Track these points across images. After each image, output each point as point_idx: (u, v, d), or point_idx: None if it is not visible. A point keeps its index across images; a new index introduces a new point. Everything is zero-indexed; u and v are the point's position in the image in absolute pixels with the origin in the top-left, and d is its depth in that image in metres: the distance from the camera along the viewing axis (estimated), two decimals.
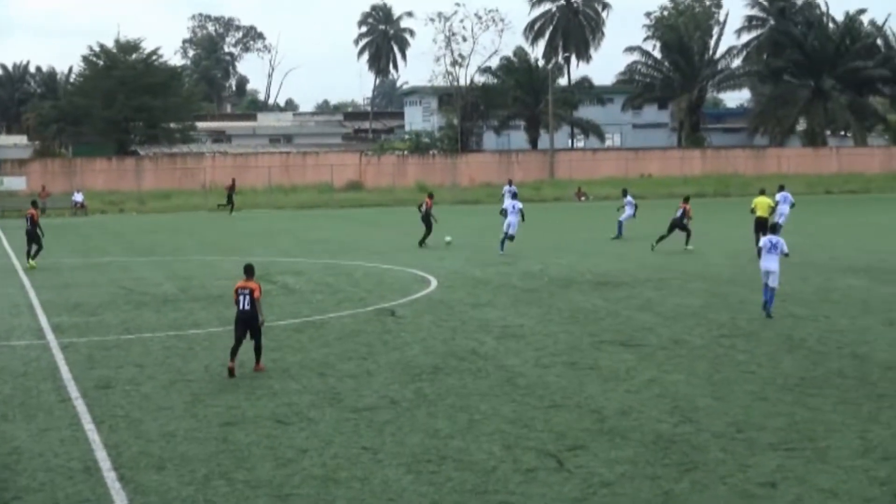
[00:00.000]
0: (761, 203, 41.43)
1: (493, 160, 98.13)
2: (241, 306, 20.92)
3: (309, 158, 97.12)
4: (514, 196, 49.42)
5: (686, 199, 44.66)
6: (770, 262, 26.83)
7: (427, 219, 46.32)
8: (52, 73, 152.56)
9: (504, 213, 44.67)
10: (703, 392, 19.16)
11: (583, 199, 79.63)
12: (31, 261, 41.07)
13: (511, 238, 43.27)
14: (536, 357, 22.49)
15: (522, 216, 44.20)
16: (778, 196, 46.33)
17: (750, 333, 24.82)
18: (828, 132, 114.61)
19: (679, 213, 43.46)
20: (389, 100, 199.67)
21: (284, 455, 15.76)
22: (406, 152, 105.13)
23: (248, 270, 21.45)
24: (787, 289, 31.64)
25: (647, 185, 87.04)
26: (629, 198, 49.45)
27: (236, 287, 21.20)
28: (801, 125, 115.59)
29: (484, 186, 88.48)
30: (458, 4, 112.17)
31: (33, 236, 41.52)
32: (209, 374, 21.34)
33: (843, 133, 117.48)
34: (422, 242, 46.17)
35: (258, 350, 21.35)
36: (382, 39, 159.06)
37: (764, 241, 27.69)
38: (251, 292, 20.88)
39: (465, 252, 43.60)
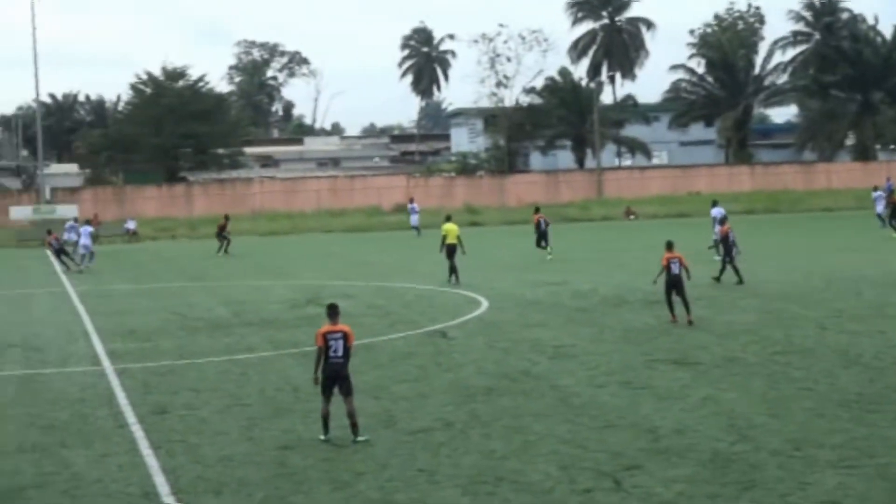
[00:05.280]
0: (451, 230, 41.54)
1: (540, 180, 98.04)
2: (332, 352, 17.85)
3: (357, 182, 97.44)
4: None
5: None
6: None
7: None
8: (100, 102, 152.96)
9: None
10: (759, 410, 19.00)
11: (631, 217, 79.42)
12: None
13: (418, 230, 47.72)
14: (590, 377, 22.42)
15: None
16: (714, 211, 46.21)
17: (805, 350, 24.60)
18: (878, 146, 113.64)
19: None
20: (435, 121, 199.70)
21: (341, 478, 15.77)
22: (453, 174, 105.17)
23: (333, 311, 18.58)
24: (841, 304, 31.44)
25: (696, 203, 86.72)
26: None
27: (324, 332, 18.12)
28: (851, 140, 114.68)
29: (532, 207, 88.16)
30: (501, 25, 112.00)
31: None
32: (264, 397, 21.42)
33: (892, 147, 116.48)
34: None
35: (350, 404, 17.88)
36: (425, 62, 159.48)
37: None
38: (345, 336, 18.08)
39: (515, 273, 43.50)
